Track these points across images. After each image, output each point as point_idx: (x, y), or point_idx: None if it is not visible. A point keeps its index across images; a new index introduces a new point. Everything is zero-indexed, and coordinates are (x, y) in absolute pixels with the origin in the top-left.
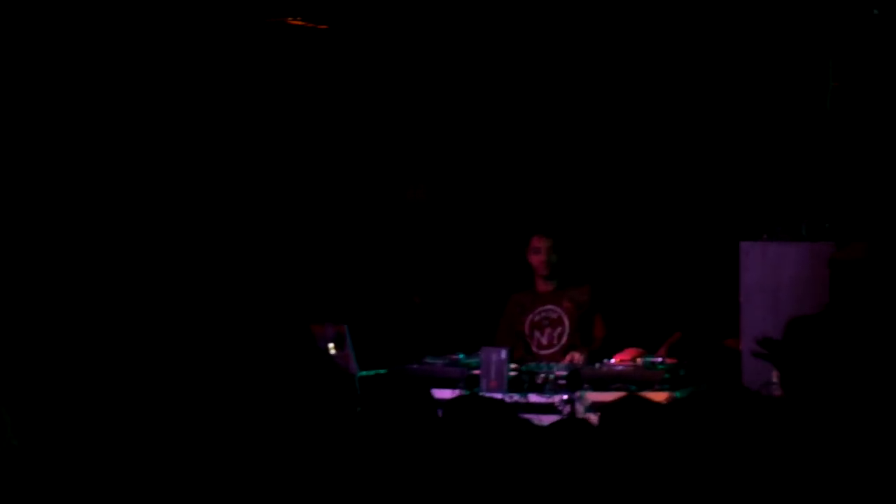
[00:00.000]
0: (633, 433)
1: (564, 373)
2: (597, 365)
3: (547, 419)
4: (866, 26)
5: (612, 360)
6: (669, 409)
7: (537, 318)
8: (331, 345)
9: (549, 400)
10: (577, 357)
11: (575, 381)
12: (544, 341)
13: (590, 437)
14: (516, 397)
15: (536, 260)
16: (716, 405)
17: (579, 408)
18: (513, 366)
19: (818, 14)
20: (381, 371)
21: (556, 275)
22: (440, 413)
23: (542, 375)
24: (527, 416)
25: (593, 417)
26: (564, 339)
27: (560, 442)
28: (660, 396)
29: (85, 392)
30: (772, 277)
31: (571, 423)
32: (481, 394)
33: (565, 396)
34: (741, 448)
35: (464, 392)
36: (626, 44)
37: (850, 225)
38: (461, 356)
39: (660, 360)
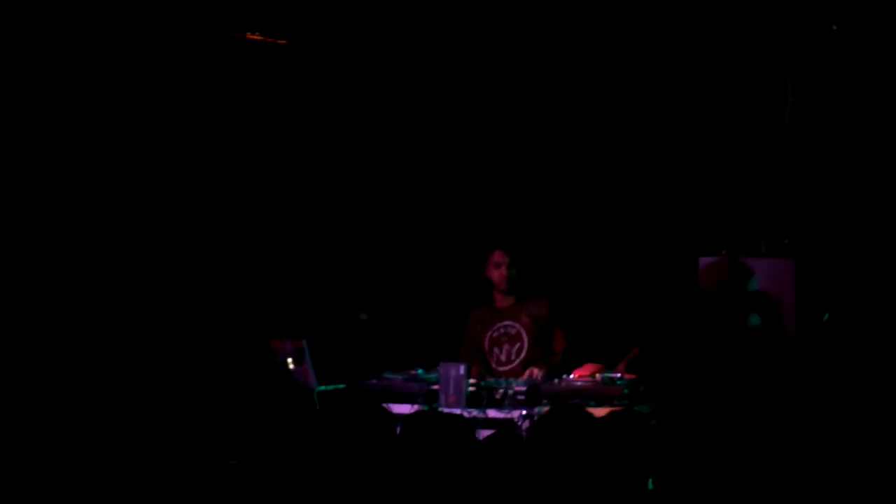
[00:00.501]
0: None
1: (523, 388)
2: (556, 380)
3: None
4: (825, 42)
5: (571, 376)
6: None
7: (496, 333)
8: (290, 359)
9: (508, 415)
10: (536, 372)
11: (534, 397)
12: (503, 357)
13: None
14: (475, 413)
15: (497, 275)
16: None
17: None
18: (471, 381)
19: (777, 30)
20: (340, 386)
21: (514, 289)
22: (398, 428)
23: (501, 391)
24: (485, 431)
25: None
26: (523, 354)
27: (498, 454)
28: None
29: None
30: None
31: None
32: (440, 409)
33: (524, 412)
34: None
35: (422, 407)
36: (585, 57)
37: (809, 240)
38: (420, 371)
39: (619, 375)
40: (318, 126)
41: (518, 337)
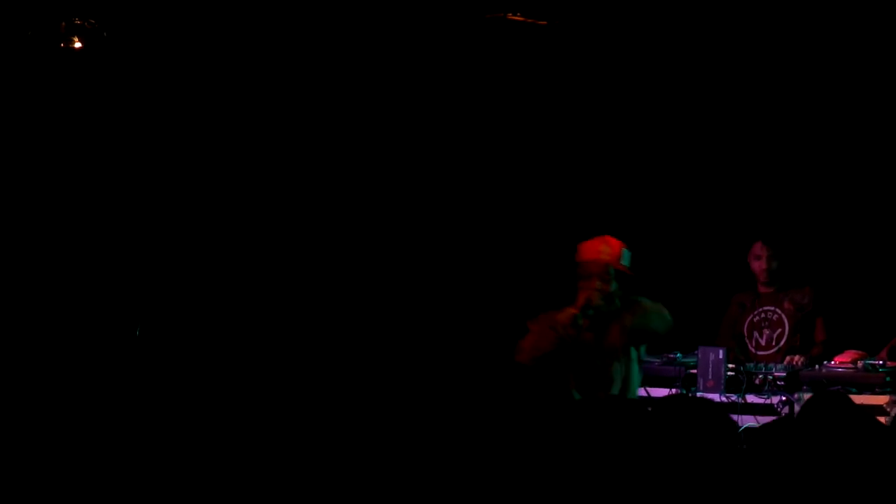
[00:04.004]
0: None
1: (783, 374)
2: (816, 367)
3: (765, 420)
4: None
5: (832, 363)
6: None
7: (757, 318)
8: None
9: (767, 401)
10: (797, 359)
11: (794, 383)
12: (763, 342)
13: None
14: (734, 397)
15: (757, 266)
16: None
17: (798, 409)
18: (730, 366)
19: None
20: None
21: (776, 279)
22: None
23: (761, 376)
24: (744, 416)
25: None
26: (783, 341)
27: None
28: (881, 399)
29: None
30: None
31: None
32: (698, 393)
33: (783, 398)
34: None
35: (680, 391)
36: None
37: None
38: (678, 355)
39: (881, 363)
40: (573, 110)
41: (780, 323)
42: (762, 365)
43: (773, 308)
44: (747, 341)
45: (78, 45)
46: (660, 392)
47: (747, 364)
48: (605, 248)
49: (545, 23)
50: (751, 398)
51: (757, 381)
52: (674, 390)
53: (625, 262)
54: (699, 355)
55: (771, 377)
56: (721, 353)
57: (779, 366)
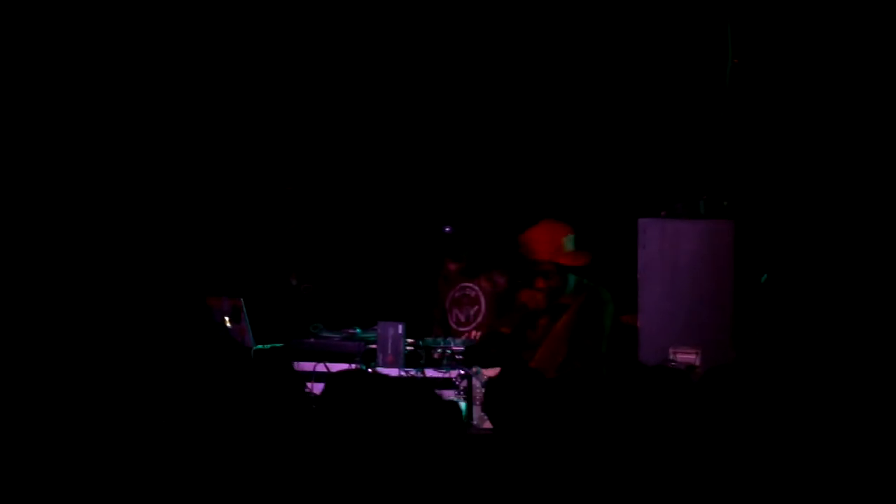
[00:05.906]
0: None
1: (461, 348)
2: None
3: (446, 394)
4: (766, 2)
5: None
6: (560, 382)
7: (457, 294)
8: (227, 318)
9: (446, 375)
10: (475, 333)
11: (472, 357)
12: (462, 318)
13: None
14: (413, 372)
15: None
16: (614, 379)
17: (476, 383)
18: (409, 340)
19: None
20: (277, 345)
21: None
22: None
23: (440, 350)
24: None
25: None
26: (480, 318)
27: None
28: None
29: None
30: (669, 254)
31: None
32: (378, 368)
33: (462, 371)
34: (643, 421)
35: (360, 366)
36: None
37: (748, 202)
38: (358, 330)
39: None
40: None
41: (476, 300)
42: (440, 339)
43: (471, 285)
44: (448, 316)
45: None
46: (340, 367)
47: (426, 339)
48: (545, 242)
49: None
50: (430, 372)
51: (436, 356)
52: (353, 365)
53: (568, 248)
54: (378, 331)
55: (449, 352)
56: (400, 329)
57: (457, 340)
